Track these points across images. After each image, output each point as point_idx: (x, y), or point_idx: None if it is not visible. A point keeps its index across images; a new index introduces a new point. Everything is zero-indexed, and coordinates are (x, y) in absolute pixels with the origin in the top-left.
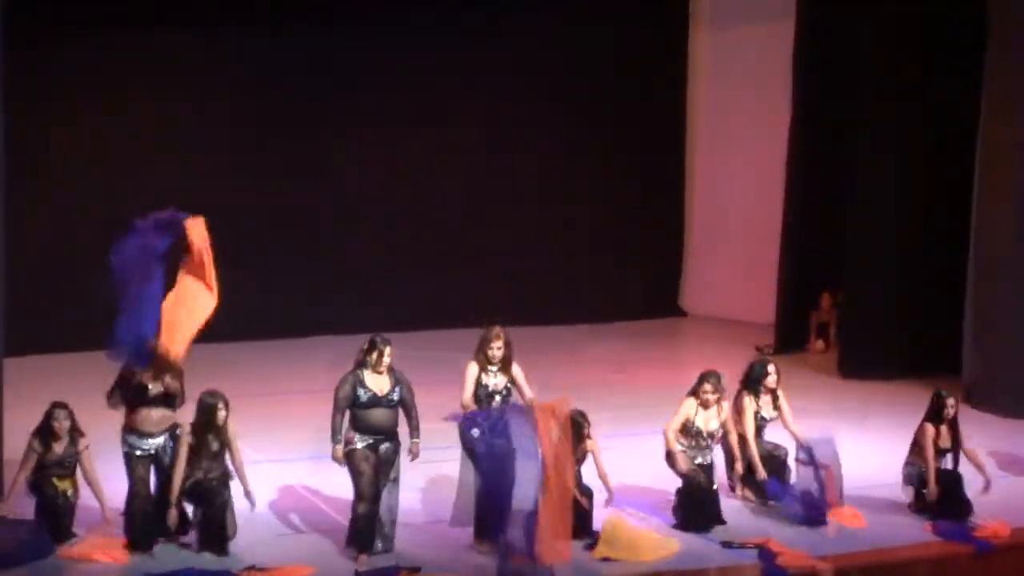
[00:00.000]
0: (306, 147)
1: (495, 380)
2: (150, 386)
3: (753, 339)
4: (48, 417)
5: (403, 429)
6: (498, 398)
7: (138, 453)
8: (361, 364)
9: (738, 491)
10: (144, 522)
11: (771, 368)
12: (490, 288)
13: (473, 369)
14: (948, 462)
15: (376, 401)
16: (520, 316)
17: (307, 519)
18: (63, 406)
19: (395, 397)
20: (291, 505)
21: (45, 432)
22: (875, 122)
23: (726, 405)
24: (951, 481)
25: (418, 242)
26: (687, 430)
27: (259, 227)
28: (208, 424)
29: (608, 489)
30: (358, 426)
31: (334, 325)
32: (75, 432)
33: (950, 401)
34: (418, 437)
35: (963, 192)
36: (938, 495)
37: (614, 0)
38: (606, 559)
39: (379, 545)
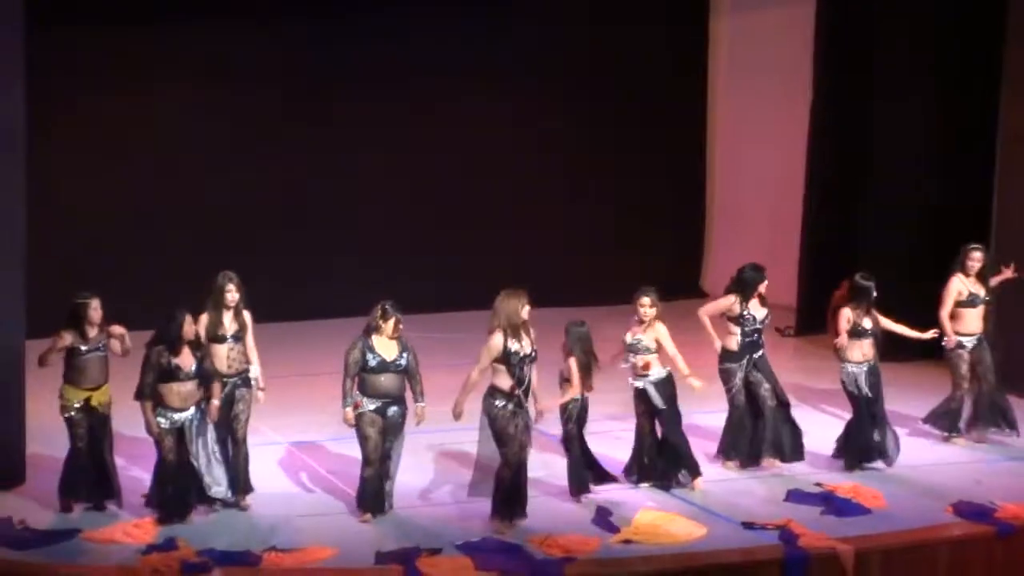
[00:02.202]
0: (329, 134)
1: (520, 344)
2: (181, 364)
3: (774, 321)
4: (83, 306)
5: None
6: (527, 367)
7: (166, 425)
8: (372, 330)
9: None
10: (175, 493)
11: (764, 274)
12: (513, 271)
13: (499, 339)
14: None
15: (384, 366)
16: (542, 298)
17: (328, 500)
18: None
19: (402, 363)
20: (313, 486)
21: (76, 320)
22: (896, 106)
23: (659, 325)
24: None
25: (443, 226)
26: (632, 348)
27: (282, 212)
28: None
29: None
30: (366, 390)
31: (356, 307)
32: (104, 322)
33: None
34: (423, 401)
35: (985, 174)
36: None
37: None
38: (627, 542)
39: (387, 504)
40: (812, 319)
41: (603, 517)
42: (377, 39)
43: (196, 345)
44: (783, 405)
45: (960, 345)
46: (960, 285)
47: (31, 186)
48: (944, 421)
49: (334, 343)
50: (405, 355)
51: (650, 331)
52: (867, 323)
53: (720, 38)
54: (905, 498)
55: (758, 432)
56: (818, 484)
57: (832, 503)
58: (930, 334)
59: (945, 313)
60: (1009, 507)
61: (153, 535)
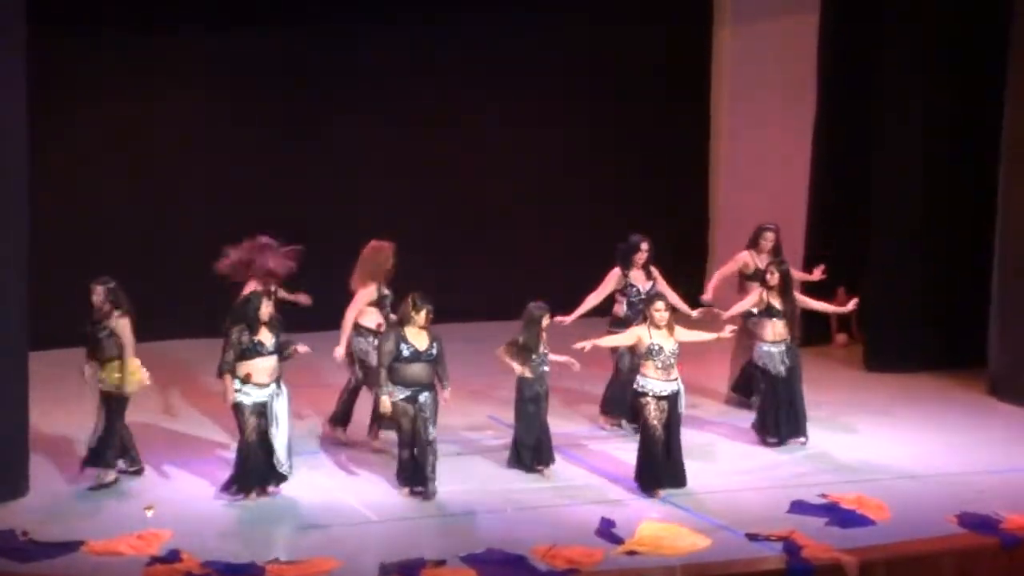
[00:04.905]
0: (339, 144)
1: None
2: (263, 340)
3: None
4: (89, 294)
5: None
6: None
7: (250, 403)
8: (405, 321)
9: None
10: (254, 469)
11: (644, 245)
12: (517, 283)
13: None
14: None
15: (417, 355)
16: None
17: (332, 512)
18: (104, 282)
19: (434, 352)
20: (316, 498)
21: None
22: (900, 113)
23: (679, 328)
24: None
25: (444, 238)
26: (650, 352)
27: (287, 220)
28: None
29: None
30: (399, 379)
31: None
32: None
33: None
34: (449, 386)
35: (990, 182)
36: None
37: None
38: (631, 553)
39: (431, 487)
40: (816, 329)
41: (607, 528)
42: (383, 44)
43: (271, 323)
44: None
45: (751, 314)
46: (748, 258)
47: (32, 194)
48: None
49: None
50: (436, 344)
51: (670, 334)
52: (777, 303)
53: (723, 48)
54: (909, 509)
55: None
56: (822, 495)
57: (836, 514)
58: (850, 305)
59: (719, 274)
60: (1014, 518)
61: (157, 547)
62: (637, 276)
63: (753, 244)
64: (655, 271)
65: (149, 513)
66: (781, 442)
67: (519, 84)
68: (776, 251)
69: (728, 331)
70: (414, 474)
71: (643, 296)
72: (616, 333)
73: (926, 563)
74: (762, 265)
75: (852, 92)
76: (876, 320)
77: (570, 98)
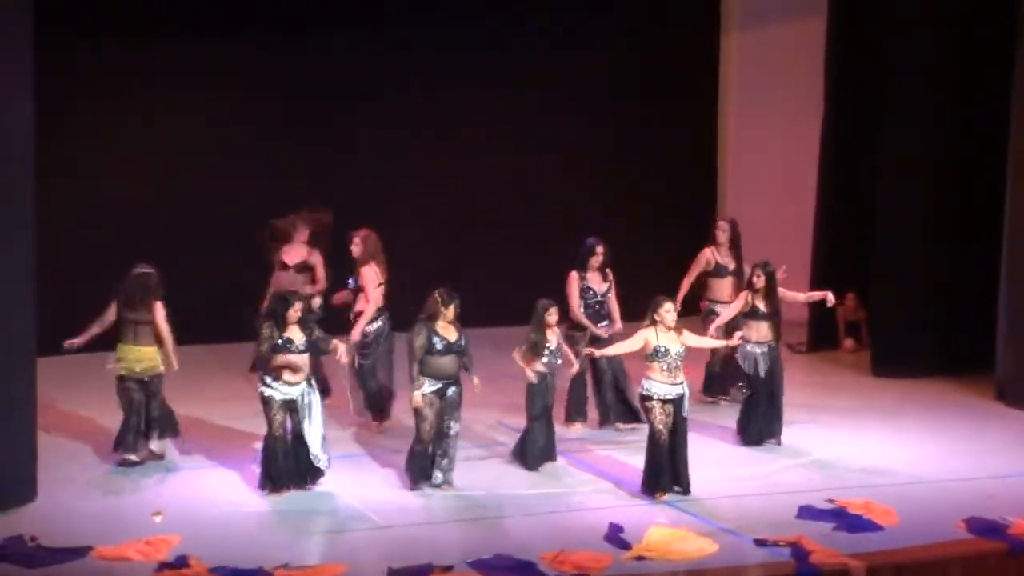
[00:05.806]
0: (340, 145)
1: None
2: (294, 338)
3: (785, 337)
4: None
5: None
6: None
7: (279, 399)
8: (434, 316)
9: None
10: (282, 464)
11: (599, 248)
12: (518, 286)
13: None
14: None
15: (449, 348)
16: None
17: (339, 517)
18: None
19: (463, 343)
20: (324, 503)
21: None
22: (906, 119)
23: (687, 332)
24: None
25: (448, 240)
26: (656, 354)
27: None
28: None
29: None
30: (430, 372)
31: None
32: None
33: None
34: (475, 373)
35: (995, 187)
36: None
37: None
38: (639, 559)
39: (439, 476)
40: (824, 334)
41: (615, 534)
42: (385, 46)
43: (304, 323)
44: (617, 379)
45: (712, 312)
46: (709, 255)
47: (38, 198)
48: (710, 387)
49: None
50: (463, 336)
51: (678, 337)
52: (763, 306)
53: (731, 51)
54: (917, 514)
55: (601, 397)
56: (830, 500)
57: (844, 519)
58: (820, 294)
59: (688, 279)
60: (1022, 523)
61: (165, 553)
62: (594, 279)
63: (712, 239)
64: (611, 274)
65: (157, 519)
66: (754, 442)
67: (526, 87)
68: (734, 243)
69: (737, 337)
70: (428, 468)
71: (599, 298)
72: (574, 337)
73: (934, 568)
74: (721, 260)
75: (859, 96)
76: (883, 325)
77: (578, 100)
